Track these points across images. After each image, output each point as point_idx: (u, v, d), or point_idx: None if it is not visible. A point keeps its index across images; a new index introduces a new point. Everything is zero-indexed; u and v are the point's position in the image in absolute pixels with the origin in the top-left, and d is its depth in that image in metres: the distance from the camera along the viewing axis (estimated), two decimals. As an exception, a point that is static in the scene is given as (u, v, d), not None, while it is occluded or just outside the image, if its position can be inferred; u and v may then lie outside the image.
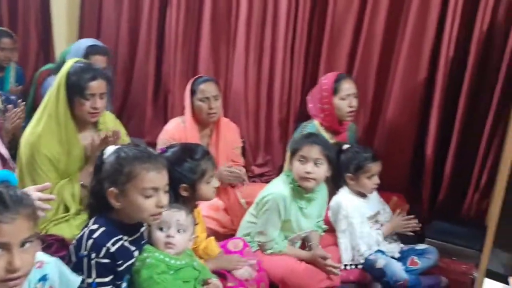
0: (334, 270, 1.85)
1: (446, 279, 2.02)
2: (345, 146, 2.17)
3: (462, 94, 2.38)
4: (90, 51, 2.53)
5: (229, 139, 2.41)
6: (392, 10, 2.58)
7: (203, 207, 1.90)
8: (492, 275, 1.81)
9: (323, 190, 2.04)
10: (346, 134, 2.49)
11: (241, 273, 1.75)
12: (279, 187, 1.93)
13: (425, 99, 2.53)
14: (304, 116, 2.83)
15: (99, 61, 2.51)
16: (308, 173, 1.87)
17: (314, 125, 2.40)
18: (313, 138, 1.95)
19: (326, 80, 2.38)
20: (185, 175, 1.61)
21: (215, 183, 1.72)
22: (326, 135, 2.39)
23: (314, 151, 1.88)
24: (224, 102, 3.07)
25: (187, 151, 1.66)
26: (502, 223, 1.83)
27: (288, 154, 2.01)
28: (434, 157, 2.53)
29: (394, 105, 2.61)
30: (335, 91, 2.32)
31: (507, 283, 1.70)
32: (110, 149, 1.36)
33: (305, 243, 2.04)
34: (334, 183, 2.16)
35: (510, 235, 1.84)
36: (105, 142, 1.80)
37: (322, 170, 1.90)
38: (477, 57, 2.34)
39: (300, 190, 1.93)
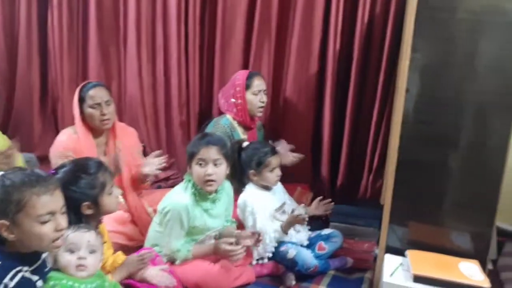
0: (235, 253, 1.83)
1: (351, 259, 2.15)
2: (245, 144, 2.23)
3: (351, 84, 2.54)
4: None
5: (128, 145, 2.31)
6: (282, 7, 2.66)
7: (108, 222, 1.81)
8: (391, 250, 1.95)
9: (226, 187, 2.05)
10: (256, 132, 2.56)
11: (160, 280, 1.69)
12: (179, 195, 1.90)
13: (318, 91, 2.66)
14: (204, 116, 2.83)
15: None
16: (209, 175, 1.86)
17: (228, 119, 2.45)
18: (207, 138, 1.93)
19: (238, 76, 2.47)
20: (85, 192, 1.53)
21: (117, 191, 1.66)
22: (239, 129, 2.47)
23: (211, 152, 1.87)
24: (120, 107, 2.96)
25: (80, 167, 1.57)
26: (395, 201, 1.99)
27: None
28: (330, 144, 2.67)
29: (290, 99, 2.71)
30: (247, 86, 2.43)
31: (404, 255, 1.85)
32: None
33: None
34: (239, 181, 2.20)
35: (403, 211, 2.00)
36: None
37: (222, 170, 1.91)
38: (361, 49, 2.50)
39: (203, 193, 1.91)
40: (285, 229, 2.04)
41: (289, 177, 2.31)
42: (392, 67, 2.41)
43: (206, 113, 2.87)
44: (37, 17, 3.06)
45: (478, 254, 1.94)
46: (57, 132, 3.04)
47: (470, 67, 1.91)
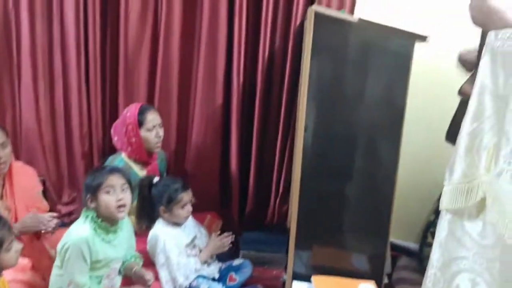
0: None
1: (261, 287, 2.23)
2: (155, 180, 2.21)
3: (255, 116, 2.63)
4: None
5: (25, 186, 2.17)
6: (185, 37, 2.68)
7: (6, 271, 1.69)
8: (298, 276, 2.06)
9: (125, 220, 2.00)
10: (157, 163, 2.52)
11: None
12: (77, 230, 1.83)
13: (225, 122, 2.72)
14: (108, 147, 2.75)
15: None
16: (120, 200, 1.82)
17: (122, 159, 2.37)
18: (108, 168, 1.92)
19: (129, 113, 2.37)
20: None
21: (17, 246, 1.56)
22: (136, 167, 2.40)
23: (117, 178, 1.85)
24: (15, 140, 2.77)
25: None
26: (300, 228, 2.10)
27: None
28: (238, 172, 2.74)
29: (198, 129, 2.74)
30: (140, 123, 2.34)
31: (310, 281, 1.96)
32: None
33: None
34: (149, 217, 2.18)
35: (308, 238, 2.12)
36: None
37: (129, 195, 1.88)
38: (263, 83, 2.62)
39: (104, 225, 1.86)
40: (204, 259, 2.09)
41: (198, 205, 2.33)
42: (292, 101, 2.55)
43: (110, 143, 2.79)
44: None
45: (374, 273, 2.13)
46: None
47: (360, 102, 2.11)
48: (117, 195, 1.83)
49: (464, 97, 1.96)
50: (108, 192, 1.83)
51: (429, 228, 2.43)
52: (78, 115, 2.78)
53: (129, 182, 1.89)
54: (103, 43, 2.74)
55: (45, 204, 2.29)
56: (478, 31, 1.67)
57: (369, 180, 2.15)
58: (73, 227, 1.88)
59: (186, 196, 2.15)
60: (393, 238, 2.45)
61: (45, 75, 2.78)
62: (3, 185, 2.12)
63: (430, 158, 2.60)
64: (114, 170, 1.89)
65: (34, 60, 2.75)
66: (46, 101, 2.80)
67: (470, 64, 2.02)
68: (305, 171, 2.06)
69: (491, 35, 1.36)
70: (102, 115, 2.79)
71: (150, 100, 2.74)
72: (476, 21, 1.62)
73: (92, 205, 1.84)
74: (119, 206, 1.83)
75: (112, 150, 2.57)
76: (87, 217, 1.85)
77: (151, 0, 2.68)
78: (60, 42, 2.73)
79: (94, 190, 1.84)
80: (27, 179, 2.21)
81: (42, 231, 2.05)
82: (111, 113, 2.78)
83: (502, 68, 1.31)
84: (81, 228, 1.83)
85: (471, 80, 1.89)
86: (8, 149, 2.07)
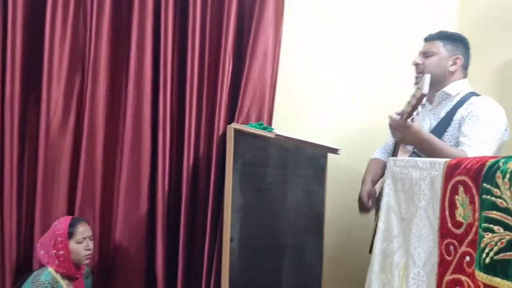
0: None
1: None
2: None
3: (181, 225, 2.61)
4: None
5: None
6: (108, 147, 2.67)
7: None
8: None
9: None
10: (83, 281, 2.41)
11: None
12: None
13: (149, 230, 2.67)
14: (22, 269, 2.57)
15: None
16: None
17: (50, 273, 2.27)
18: None
19: (60, 224, 2.34)
20: None
21: None
22: (63, 282, 2.30)
23: None
24: None
25: None
26: None
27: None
28: (165, 282, 2.65)
29: (121, 239, 2.64)
30: (70, 235, 2.31)
31: None
32: None
33: None
34: None
35: None
36: None
37: None
38: (189, 187, 2.63)
39: None
40: None
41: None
42: (218, 210, 2.58)
43: (25, 265, 2.60)
44: None
45: None
46: None
47: (282, 212, 2.19)
48: None
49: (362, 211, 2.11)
50: None
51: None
52: (-11, 231, 2.59)
53: None
54: (20, 155, 2.62)
55: None
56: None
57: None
58: None
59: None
60: None
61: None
62: None
63: (353, 260, 2.68)
64: None
65: None
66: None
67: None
68: (233, 285, 2.05)
69: (390, 161, 1.52)
70: (16, 233, 2.60)
71: (70, 212, 2.64)
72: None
73: None
74: None
75: (25, 268, 2.40)
76: None
77: (73, 111, 2.67)
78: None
79: None
80: None
81: None
82: (26, 232, 2.61)
83: (402, 192, 1.45)
84: None
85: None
86: None
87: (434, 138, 1.80)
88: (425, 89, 1.59)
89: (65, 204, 2.65)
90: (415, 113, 1.79)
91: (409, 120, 1.73)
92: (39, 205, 2.61)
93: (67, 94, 2.68)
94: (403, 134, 1.75)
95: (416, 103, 1.65)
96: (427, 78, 1.61)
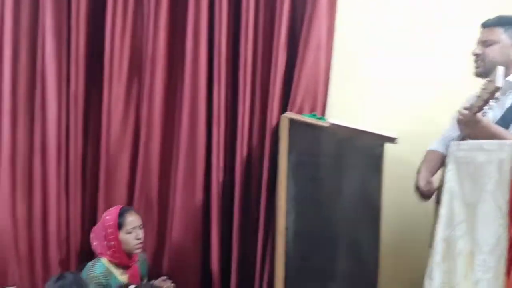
0: None
1: None
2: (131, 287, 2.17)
3: (235, 214, 2.64)
4: None
5: None
6: (165, 140, 2.76)
7: None
8: None
9: None
10: (137, 266, 2.48)
11: None
12: None
13: (205, 219, 2.71)
14: (86, 254, 2.70)
15: None
16: None
17: (103, 264, 2.35)
18: (61, 281, 1.90)
19: (109, 216, 2.39)
20: None
21: None
22: (117, 271, 2.37)
23: None
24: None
25: None
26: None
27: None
28: (220, 272, 2.69)
29: (178, 228, 2.71)
30: (120, 226, 2.35)
31: None
32: None
33: None
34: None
35: None
36: None
37: None
38: (243, 178, 2.65)
39: None
40: None
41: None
42: (272, 201, 2.59)
43: (88, 249, 2.73)
44: None
45: None
46: None
47: (337, 202, 2.16)
48: None
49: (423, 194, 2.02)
50: None
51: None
52: (56, 221, 2.74)
53: None
54: (84, 148, 2.78)
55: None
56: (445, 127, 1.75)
57: (352, 280, 2.14)
58: None
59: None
60: None
61: (24, 182, 2.76)
62: None
63: (410, 253, 2.60)
64: (65, 286, 1.82)
65: (13, 167, 2.74)
66: (23, 208, 2.76)
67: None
68: (287, 273, 2.05)
69: (452, 145, 1.47)
70: (81, 221, 2.76)
71: (129, 202, 2.74)
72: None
73: None
74: None
75: (90, 256, 2.51)
76: None
77: (133, 106, 2.78)
78: (40, 149, 2.75)
79: None
80: None
81: None
82: (90, 220, 2.75)
83: (466, 177, 1.39)
84: None
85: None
86: None
87: (505, 133, 1.70)
88: (499, 82, 1.52)
89: (124, 197, 2.77)
90: (486, 107, 1.69)
91: (479, 115, 1.65)
92: (101, 197, 2.74)
93: (127, 91, 2.80)
94: (472, 128, 1.66)
95: (488, 97, 1.57)
96: (500, 70, 1.53)
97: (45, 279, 2.76)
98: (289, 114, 2.12)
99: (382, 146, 2.15)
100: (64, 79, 2.73)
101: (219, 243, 2.69)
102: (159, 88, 2.74)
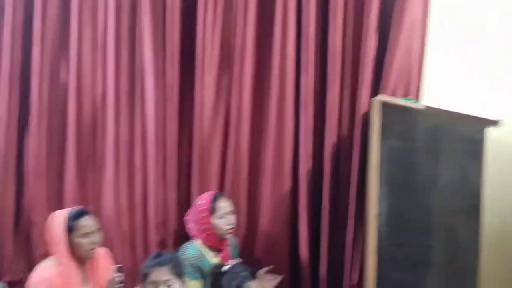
0: None
1: None
2: (225, 268, 2.23)
3: (323, 201, 2.63)
4: None
5: (106, 265, 2.28)
6: (254, 127, 2.83)
7: None
8: None
9: None
10: (229, 250, 2.56)
11: None
12: None
13: (293, 206, 2.74)
14: (182, 236, 2.84)
15: None
16: None
17: (196, 246, 2.43)
18: (158, 259, 1.96)
19: (202, 201, 2.47)
20: None
21: None
22: (210, 254, 2.45)
23: (162, 274, 1.89)
24: (96, 229, 2.95)
25: None
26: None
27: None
28: (309, 260, 2.69)
29: (266, 215, 2.77)
30: (212, 211, 2.42)
31: None
32: None
33: None
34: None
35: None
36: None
37: None
38: (331, 165, 2.64)
39: None
40: None
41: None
42: (362, 187, 2.53)
43: (183, 232, 2.88)
44: (15, 143, 3.10)
45: None
46: (29, 256, 3.00)
47: (433, 189, 2.06)
48: None
49: None
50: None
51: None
52: (155, 205, 2.92)
53: (178, 274, 1.91)
54: (179, 137, 2.92)
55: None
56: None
57: (449, 270, 2.04)
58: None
59: (254, 285, 2.14)
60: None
61: (126, 169, 2.97)
62: (87, 269, 2.22)
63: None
64: (162, 263, 1.92)
65: (116, 155, 2.96)
66: (126, 193, 2.98)
67: None
68: (379, 261, 2.00)
69: None
70: (177, 205, 2.91)
71: (221, 188, 2.84)
72: None
73: None
74: None
75: (186, 238, 2.64)
76: None
77: (223, 95, 2.88)
78: (141, 139, 2.94)
79: (142, 279, 1.89)
80: (105, 260, 2.32)
81: None
82: (185, 204, 2.89)
83: None
84: None
85: None
86: (100, 235, 2.22)
87: None
88: None
89: (216, 183, 2.87)
90: None
91: None
92: (195, 183, 2.87)
93: (218, 82, 2.90)
94: None
95: None
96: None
97: (145, 259, 2.96)
98: (381, 97, 2.06)
99: (483, 130, 2.01)
100: (160, 73, 2.90)
101: (308, 230, 2.69)
102: (248, 78, 2.81)
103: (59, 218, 2.18)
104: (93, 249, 2.16)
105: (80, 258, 2.16)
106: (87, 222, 2.16)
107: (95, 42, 2.94)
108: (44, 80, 2.96)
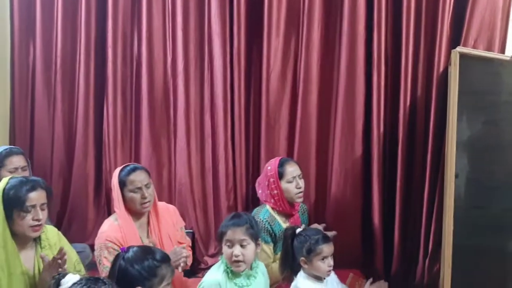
0: None
1: None
2: (298, 230, 2.20)
3: (398, 167, 2.52)
4: (4, 155, 2.44)
5: (170, 222, 2.32)
6: (323, 91, 2.77)
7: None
8: None
9: (260, 265, 2.03)
10: (299, 216, 2.54)
11: None
12: (212, 274, 1.92)
13: (365, 174, 2.66)
14: (251, 201, 2.87)
15: (16, 161, 2.47)
16: (236, 256, 1.86)
17: (267, 210, 2.45)
18: (235, 219, 1.95)
19: (270, 166, 2.47)
20: (144, 275, 1.59)
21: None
22: (280, 219, 2.45)
23: (238, 233, 1.88)
24: (170, 194, 3.06)
25: (149, 251, 1.68)
26: (454, 286, 1.90)
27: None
28: (382, 226, 2.61)
29: (337, 180, 2.72)
30: (280, 175, 2.41)
31: None
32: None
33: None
34: (291, 268, 2.16)
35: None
36: (52, 265, 1.70)
37: (249, 251, 1.90)
38: (405, 132, 2.53)
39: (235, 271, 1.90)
40: None
41: (339, 262, 2.25)
42: (438, 150, 2.39)
43: (253, 197, 2.91)
44: (94, 113, 3.26)
45: None
46: (109, 220, 3.20)
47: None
48: (234, 249, 1.86)
49: None
50: (227, 245, 1.88)
51: None
52: (225, 172, 2.96)
53: (253, 235, 1.91)
54: (247, 103, 2.93)
55: (187, 240, 2.43)
56: None
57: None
58: (210, 270, 1.99)
59: (327, 248, 2.09)
60: None
61: (197, 136, 3.04)
62: (148, 223, 2.27)
63: None
64: (238, 223, 1.91)
65: (187, 122, 3.04)
66: (197, 160, 3.05)
67: None
68: (458, 224, 1.88)
69: None
70: (246, 171, 2.93)
71: (289, 154, 2.82)
72: None
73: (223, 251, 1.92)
74: (235, 261, 1.86)
75: (255, 203, 2.66)
76: (222, 262, 1.94)
77: (291, 59, 2.83)
78: (210, 105, 2.99)
79: (219, 239, 1.93)
80: (170, 216, 2.36)
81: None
82: (253, 170, 2.91)
83: None
84: (216, 272, 1.92)
85: None
86: (151, 190, 2.23)
87: None
88: None
89: (285, 147, 2.85)
90: None
91: None
92: (263, 149, 2.88)
93: (285, 45, 2.84)
94: None
95: None
96: None
97: (217, 224, 3.04)
98: (460, 49, 1.91)
99: None
100: (228, 38, 2.90)
101: (381, 195, 2.60)
102: (316, 40, 2.74)
103: (115, 174, 2.24)
104: (144, 203, 2.17)
105: (135, 212, 2.20)
106: (138, 177, 2.18)
107: (164, 13, 3.00)
108: (118, 52, 3.08)
